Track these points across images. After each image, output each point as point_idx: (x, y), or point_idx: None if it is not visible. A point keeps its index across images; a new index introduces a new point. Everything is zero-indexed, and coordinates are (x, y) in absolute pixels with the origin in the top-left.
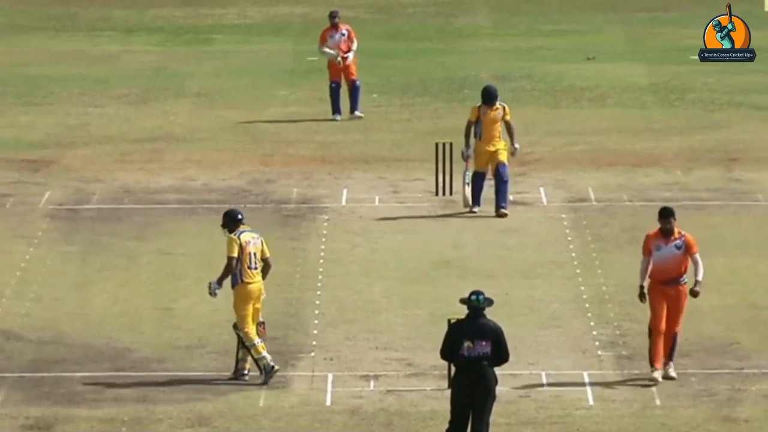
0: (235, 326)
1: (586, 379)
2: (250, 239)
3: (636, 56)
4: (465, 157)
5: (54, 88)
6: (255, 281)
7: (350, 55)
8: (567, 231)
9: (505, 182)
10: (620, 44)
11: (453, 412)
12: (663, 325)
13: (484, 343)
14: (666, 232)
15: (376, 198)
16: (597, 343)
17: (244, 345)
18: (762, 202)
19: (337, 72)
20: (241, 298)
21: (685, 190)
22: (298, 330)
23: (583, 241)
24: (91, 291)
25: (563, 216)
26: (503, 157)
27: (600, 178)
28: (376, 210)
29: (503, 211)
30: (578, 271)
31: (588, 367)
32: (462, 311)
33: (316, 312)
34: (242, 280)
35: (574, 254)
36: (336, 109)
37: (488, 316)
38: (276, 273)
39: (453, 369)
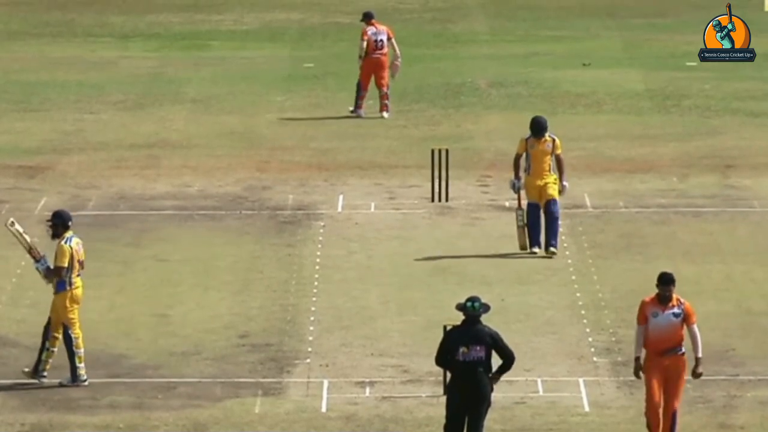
0: (46, 328)
1: (582, 386)
2: (78, 246)
3: (632, 62)
4: (515, 189)
5: (50, 95)
6: (80, 286)
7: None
8: (563, 237)
9: (556, 219)
10: (617, 50)
11: (448, 417)
12: (659, 399)
13: (478, 348)
14: (664, 299)
15: (372, 204)
16: (593, 350)
17: (47, 348)
18: (758, 209)
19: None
20: (70, 303)
21: (680, 197)
22: (293, 336)
23: (579, 248)
24: (86, 297)
25: (559, 222)
26: (553, 191)
27: (596, 184)
28: (372, 216)
29: (552, 249)
30: (574, 277)
31: (584, 373)
32: (458, 318)
33: (312, 318)
34: (70, 286)
35: (569, 260)
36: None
37: (484, 323)
38: (272, 279)
39: (448, 375)
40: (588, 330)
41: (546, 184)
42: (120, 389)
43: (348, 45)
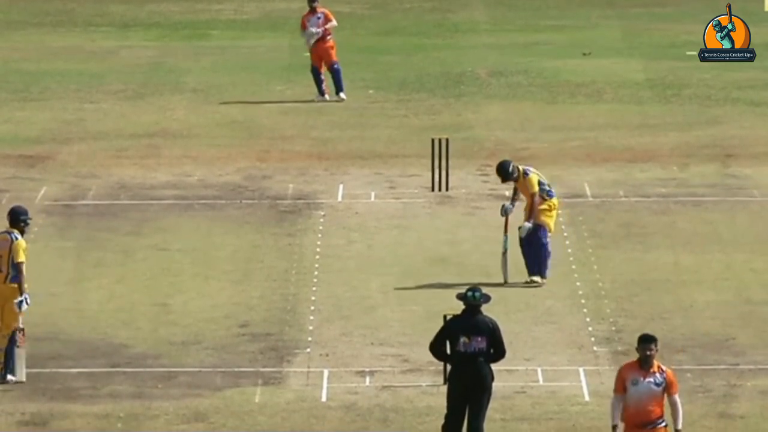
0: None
1: (582, 375)
2: None
3: (632, 52)
4: (503, 213)
5: (50, 84)
6: None
7: (322, 31)
8: (563, 227)
9: (540, 246)
10: (617, 40)
11: (449, 407)
12: None
13: (479, 338)
14: (645, 363)
15: (372, 194)
16: (593, 339)
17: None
18: (758, 198)
19: (315, 56)
20: None
21: (681, 186)
22: (293, 326)
23: (579, 237)
24: (86, 287)
25: (559, 212)
26: (544, 216)
27: (596, 173)
28: (373, 206)
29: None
30: (574, 266)
31: (584, 362)
32: (458, 307)
33: (312, 308)
34: None
35: (569, 250)
36: (319, 92)
37: (484, 312)
38: (272, 269)
39: (449, 365)
40: (588, 319)
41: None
42: (120, 379)
43: (348, 34)
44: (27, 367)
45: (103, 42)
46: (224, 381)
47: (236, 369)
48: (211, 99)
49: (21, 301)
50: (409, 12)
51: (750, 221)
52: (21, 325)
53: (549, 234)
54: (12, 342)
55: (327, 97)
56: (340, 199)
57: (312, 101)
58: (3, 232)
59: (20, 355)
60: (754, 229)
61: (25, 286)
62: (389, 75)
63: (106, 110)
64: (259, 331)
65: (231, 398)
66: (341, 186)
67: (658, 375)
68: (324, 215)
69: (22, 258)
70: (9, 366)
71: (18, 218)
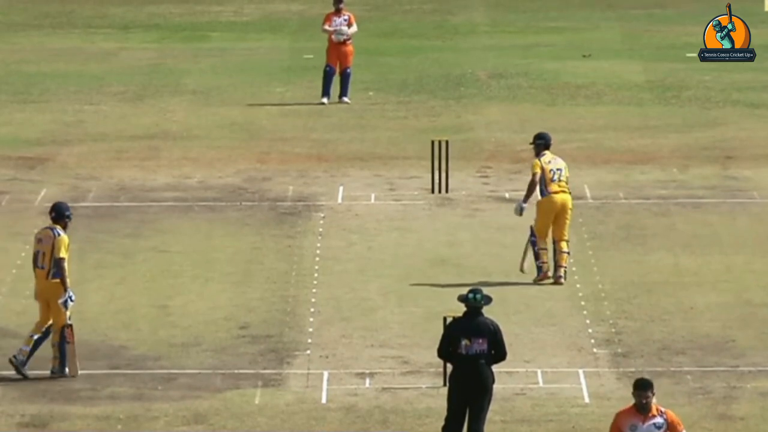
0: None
1: (582, 377)
2: (38, 236)
3: (632, 53)
4: (517, 212)
5: (50, 86)
6: (36, 277)
7: (349, 31)
8: None
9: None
10: (617, 42)
11: (449, 409)
12: None
13: (481, 340)
14: (642, 409)
15: (372, 195)
16: (592, 341)
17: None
18: (758, 200)
19: (333, 57)
20: None
21: (681, 188)
22: (293, 328)
23: (579, 239)
24: (87, 288)
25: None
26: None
27: (596, 175)
28: (372, 207)
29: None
30: (574, 268)
31: (583, 364)
32: (458, 309)
33: (312, 310)
34: None
35: (570, 252)
36: (325, 92)
37: (486, 315)
38: (272, 271)
39: (449, 366)
40: (588, 321)
41: None
42: (120, 380)
43: None
44: (29, 369)
45: (103, 44)
46: (224, 383)
47: (236, 371)
48: (210, 101)
49: (66, 300)
50: (409, 14)
51: (750, 223)
52: (69, 321)
53: (534, 233)
54: (62, 338)
55: (327, 101)
56: (340, 200)
57: (319, 103)
58: (46, 228)
59: (71, 350)
60: (754, 230)
61: (68, 283)
62: (389, 77)
63: (106, 112)
64: (259, 333)
65: (231, 400)
66: (341, 188)
67: (658, 418)
68: (324, 217)
69: (63, 254)
70: (64, 360)
71: (62, 214)
